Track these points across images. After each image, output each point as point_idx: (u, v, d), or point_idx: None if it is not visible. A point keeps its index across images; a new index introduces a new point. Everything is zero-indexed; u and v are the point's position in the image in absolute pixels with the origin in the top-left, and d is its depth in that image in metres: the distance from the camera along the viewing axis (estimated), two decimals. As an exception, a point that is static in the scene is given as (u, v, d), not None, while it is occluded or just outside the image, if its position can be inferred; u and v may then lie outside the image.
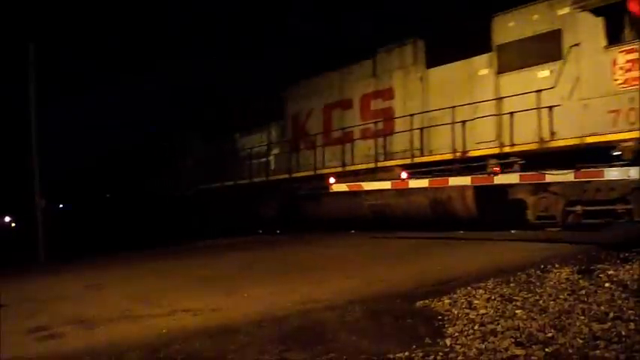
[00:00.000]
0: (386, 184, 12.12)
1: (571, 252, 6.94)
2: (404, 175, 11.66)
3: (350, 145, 13.98)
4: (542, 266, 6.03)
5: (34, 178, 14.77)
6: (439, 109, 11.67)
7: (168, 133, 23.92)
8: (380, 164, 12.99)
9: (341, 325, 4.44)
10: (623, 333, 3.63)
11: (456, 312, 4.54)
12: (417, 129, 12.16)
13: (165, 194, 22.53)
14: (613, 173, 8.35)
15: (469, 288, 5.30)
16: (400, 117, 12.76)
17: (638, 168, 7.98)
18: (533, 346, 3.52)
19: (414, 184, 11.27)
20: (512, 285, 5.31)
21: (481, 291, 5.16)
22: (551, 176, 9.06)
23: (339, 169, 13.99)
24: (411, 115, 12.35)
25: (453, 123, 11.13)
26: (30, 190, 15.05)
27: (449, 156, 11.32)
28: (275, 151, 17.09)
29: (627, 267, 5.59)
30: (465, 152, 11.08)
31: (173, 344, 4.23)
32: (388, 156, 12.95)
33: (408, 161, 12.28)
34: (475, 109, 10.98)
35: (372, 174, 13.05)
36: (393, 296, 5.32)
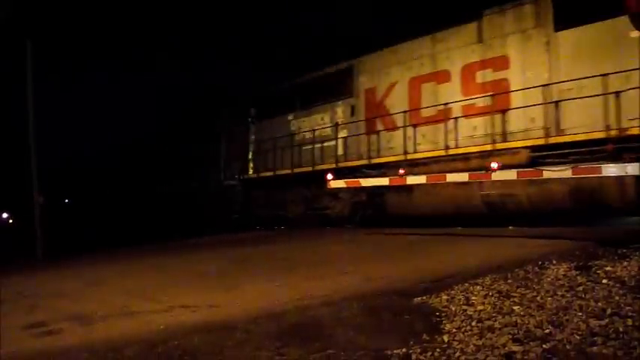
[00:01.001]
0: (383, 181, 11.73)
1: (569, 248, 6.94)
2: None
3: (448, 125, 11.75)
4: (539, 262, 6.03)
5: (32, 177, 14.74)
6: (575, 80, 9.78)
7: (204, 119, 21.22)
8: (499, 146, 10.85)
9: (338, 321, 4.44)
10: (621, 329, 3.63)
11: (453, 308, 4.54)
12: (550, 103, 10.14)
13: (201, 186, 20.29)
14: (611, 169, 8.34)
15: (467, 284, 5.30)
16: (519, 90, 10.76)
17: (637, 165, 7.93)
18: (531, 343, 3.53)
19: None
20: (509, 281, 5.31)
21: (479, 287, 5.16)
22: (549, 172, 9.05)
23: (437, 153, 11.91)
24: (538, 86, 10.36)
25: (605, 94, 9.24)
26: (29, 186, 15.03)
27: (598, 135, 9.36)
28: (342, 133, 14.61)
29: (625, 263, 5.59)
30: (622, 130, 9.05)
31: (171, 340, 4.23)
32: (506, 136, 10.95)
33: (540, 142, 10.19)
34: (627, 78, 8.84)
35: (484, 158, 10.85)
36: (390, 292, 5.32)
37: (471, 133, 11.48)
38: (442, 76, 12.36)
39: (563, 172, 8.90)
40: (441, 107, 11.91)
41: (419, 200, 12.26)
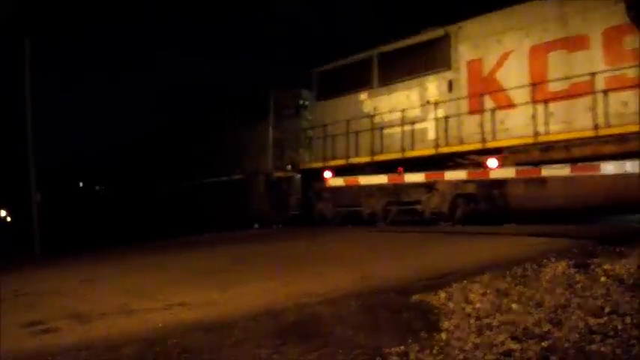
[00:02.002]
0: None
1: (567, 246, 6.94)
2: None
3: (590, 100, 9.76)
4: (538, 260, 6.03)
5: (30, 175, 14.72)
6: None
7: (256, 95, 18.11)
8: None
9: (337, 320, 4.43)
10: (619, 327, 3.63)
11: (451, 306, 4.53)
12: None
13: (246, 179, 17.58)
14: (609, 167, 8.29)
15: (465, 282, 5.30)
16: None
17: (637, 162, 7.86)
18: (529, 341, 3.52)
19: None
20: (508, 279, 5.30)
21: (477, 285, 5.15)
22: (547, 171, 9.03)
23: (580, 134, 9.90)
24: None
25: None
26: (26, 183, 15.02)
27: None
28: (437, 113, 12.33)
29: (623, 261, 5.59)
30: None
31: (169, 338, 4.22)
32: None
33: None
34: None
35: None
36: (389, 290, 5.32)
37: (620, 110, 9.52)
38: (576, 42, 10.26)
39: (561, 170, 8.87)
40: (579, 79, 9.96)
41: (557, 191, 10.19)
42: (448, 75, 12.19)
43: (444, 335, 3.81)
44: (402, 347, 3.61)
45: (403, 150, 12.56)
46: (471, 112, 11.57)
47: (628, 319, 3.75)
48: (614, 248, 6.36)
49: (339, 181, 12.57)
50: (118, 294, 6.36)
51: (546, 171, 9.99)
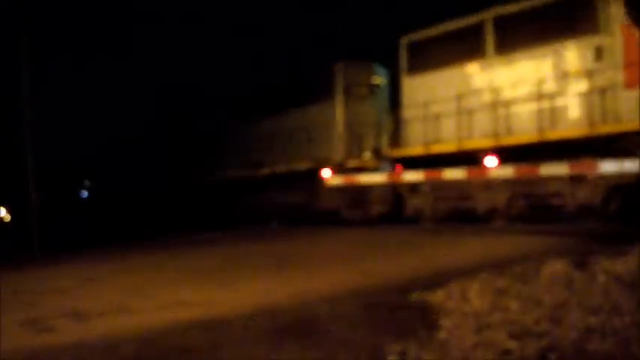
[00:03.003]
0: (382, 176, 11.23)
1: (566, 245, 6.95)
2: None
3: None
4: (536, 259, 6.03)
5: (28, 174, 14.68)
6: None
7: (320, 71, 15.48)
8: None
9: (335, 318, 4.43)
10: (619, 326, 3.63)
11: (450, 305, 4.53)
12: None
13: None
14: (608, 166, 8.26)
15: (464, 280, 5.30)
16: None
17: (637, 160, 7.77)
18: (528, 339, 3.52)
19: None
20: (506, 278, 5.31)
21: (476, 284, 5.15)
22: (546, 169, 9.00)
23: None
24: None
25: None
26: (24, 181, 14.97)
27: None
28: (579, 86, 10.26)
29: (622, 260, 5.59)
30: None
31: (168, 337, 4.22)
32: None
33: None
34: None
35: None
36: (387, 289, 5.32)
37: None
38: None
39: (560, 168, 8.84)
40: None
41: None
42: (596, 40, 10.15)
43: (443, 334, 3.81)
44: (401, 346, 3.60)
45: (541, 130, 10.36)
46: (629, 86, 9.57)
47: (627, 318, 3.75)
48: (613, 246, 6.37)
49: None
50: (117, 292, 6.36)
51: None
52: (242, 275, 7.08)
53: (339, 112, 14.68)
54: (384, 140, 13.70)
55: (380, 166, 14.03)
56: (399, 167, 12.53)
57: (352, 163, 14.41)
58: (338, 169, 14.38)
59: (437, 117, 12.06)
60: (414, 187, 12.59)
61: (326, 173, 13.44)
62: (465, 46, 11.98)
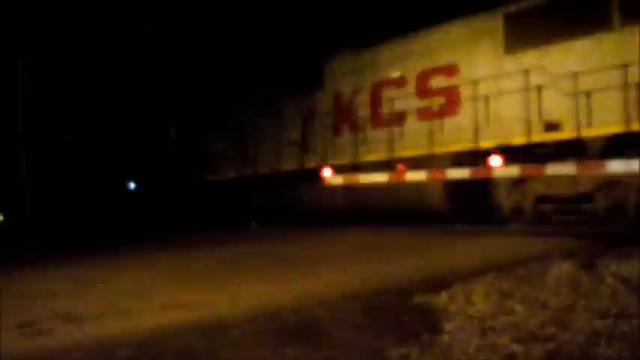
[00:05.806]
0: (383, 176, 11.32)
1: (572, 246, 6.87)
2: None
3: None
4: (542, 261, 5.95)
5: (22, 174, 14.62)
6: None
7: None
8: None
9: (336, 321, 4.36)
10: (626, 330, 3.55)
11: (453, 307, 4.46)
12: None
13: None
14: (616, 166, 8.16)
15: (467, 283, 5.22)
16: None
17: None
18: (533, 343, 3.45)
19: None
20: (511, 280, 5.23)
21: (480, 286, 5.08)
22: (553, 169, 8.91)
23: None
24: None
25: None
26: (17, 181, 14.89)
27: None
28: None
29: (630, 262, 5.51)
30: None
31: (165, 340, 4.14)
32: None
33: None
34: None
35: None
36: (389, 291, 5.24)
37: None
38: None
39: (567, 168, 8.76)
40: None
41: None
42: None
43: (446, 337, 3.74)
44: (403, 349, 3.53)
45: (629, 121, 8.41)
46: None
47: (635, 322, 3.68)
48: (620, 249, 6.29)
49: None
50: (112, 295, 6.28)
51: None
52: (240, 277, 7.00)
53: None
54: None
55: None
56: (401, 166, 12.40)
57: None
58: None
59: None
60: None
61: (326, 173, 13.37)
62: (582, 17, 9.57)
